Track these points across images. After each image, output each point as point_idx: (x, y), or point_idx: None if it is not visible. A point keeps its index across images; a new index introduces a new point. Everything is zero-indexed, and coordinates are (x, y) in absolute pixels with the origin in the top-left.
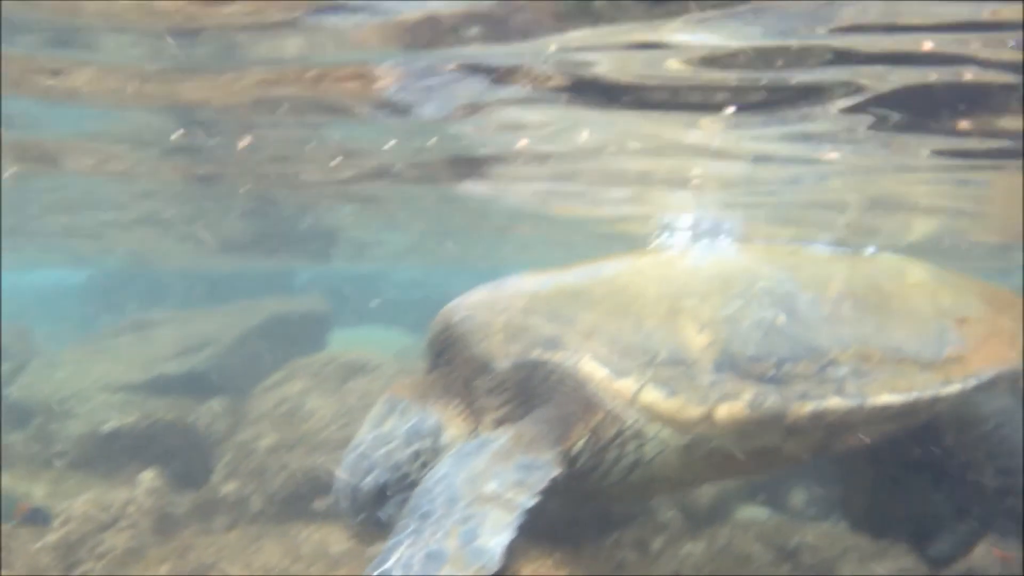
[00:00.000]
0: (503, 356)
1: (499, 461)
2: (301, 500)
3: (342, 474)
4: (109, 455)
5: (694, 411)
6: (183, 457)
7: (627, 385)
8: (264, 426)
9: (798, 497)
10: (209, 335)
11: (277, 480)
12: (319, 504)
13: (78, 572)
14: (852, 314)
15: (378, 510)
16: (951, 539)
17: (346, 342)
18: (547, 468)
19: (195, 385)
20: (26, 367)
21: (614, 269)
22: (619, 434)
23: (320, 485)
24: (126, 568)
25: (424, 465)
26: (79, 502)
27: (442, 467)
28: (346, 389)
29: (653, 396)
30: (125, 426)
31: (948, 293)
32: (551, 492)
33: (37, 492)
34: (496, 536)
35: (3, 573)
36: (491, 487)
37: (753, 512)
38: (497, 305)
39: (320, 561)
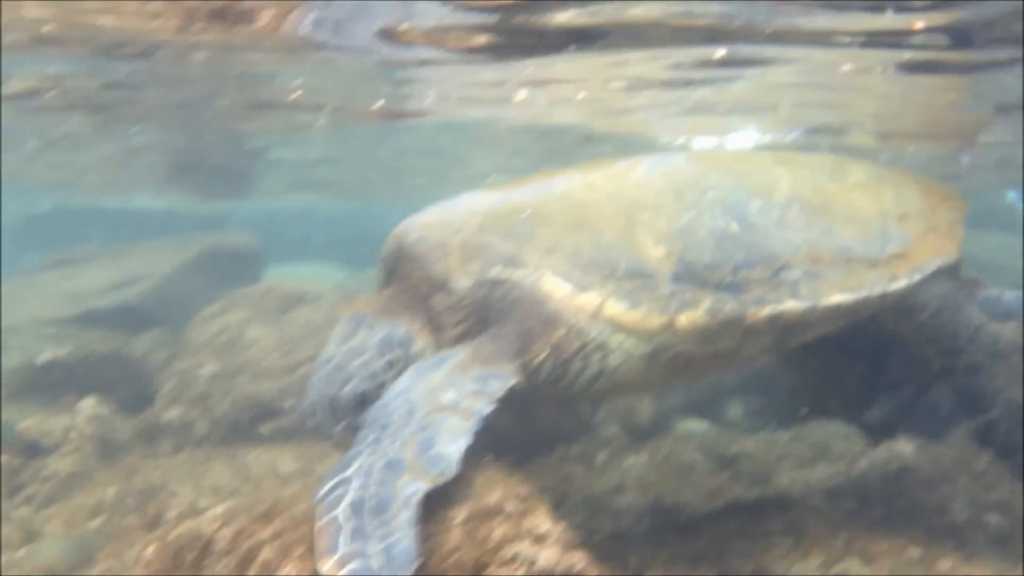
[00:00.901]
0: (461, 275)
1: (457, 373)
2: (247, 425)
3: (316, 389)
4: (46, 386)
5: (656, 321)
6: (122, 386)
7: (590, 299)
8: (205, 355)
9: (735, 410)
10: (139, 270)
11: (221, 406)
12: (266, 428)
13: (22, 495)
14: (800, 218)
15: (358, 418)
16: (886, 407)
17: (280, 278)
18: (505, 378)
19: (128, 319)
20: None
21: (565, 185)
22: (583, 347)
23: (266, 410)
24: (72, 491)
25: (399, 374)
26: (19, 428)
27: (401, 382)
28: (287, 319)
29: (615, 309)
30: (60, 357)
31: (888, 190)
32: (509, 401)
33: None
34: (453, 443)
35: None
36: (449, 396)
37: (692, 425)
38: (452, 224)
39: (270, 480)
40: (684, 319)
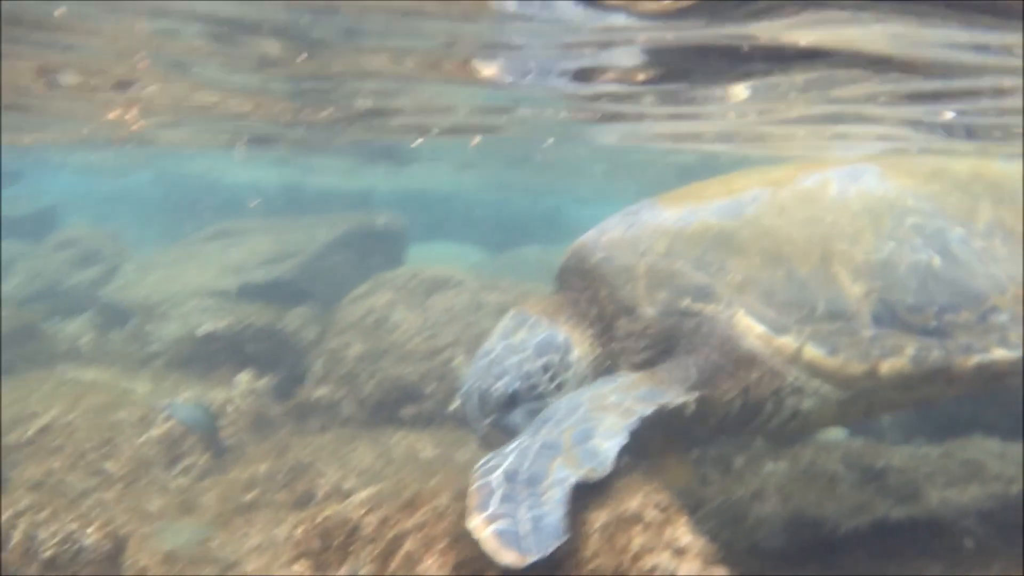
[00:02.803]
0: (648, 303)
1: (625, 388)
2: (390, 407)
3: (470, 379)
4: (204, 357)
5: (856, 368)
6: (275, 361)
7: (786, 343)
8: (352, 335)
9: (881, 420)
10: (292, 246)
11: (367, 387)
12: (407, 412)
13: (180, 466)
14: (1004, 249)
15: (506, 416)
16: None
17: (421, 257)
18: (673, 397)
19: (281, 293)
20: (118, 270)
21: (755, 208)
22: (777, 391)
23: (408, 394)
24: (227, 464)
25: (553, 378)
26: (180, 400)
27: (572, 393)
28: (430, 303)
29: (813, 354)
30: (219, 329)
31: None
32: (684, 415)
33: (139, 389)
34: (609, 440)
35: (109, 463)
36: (613, 399)
37: (835, 433)
38: (638, 246)
39: (411, 464)
40: (886, 367)
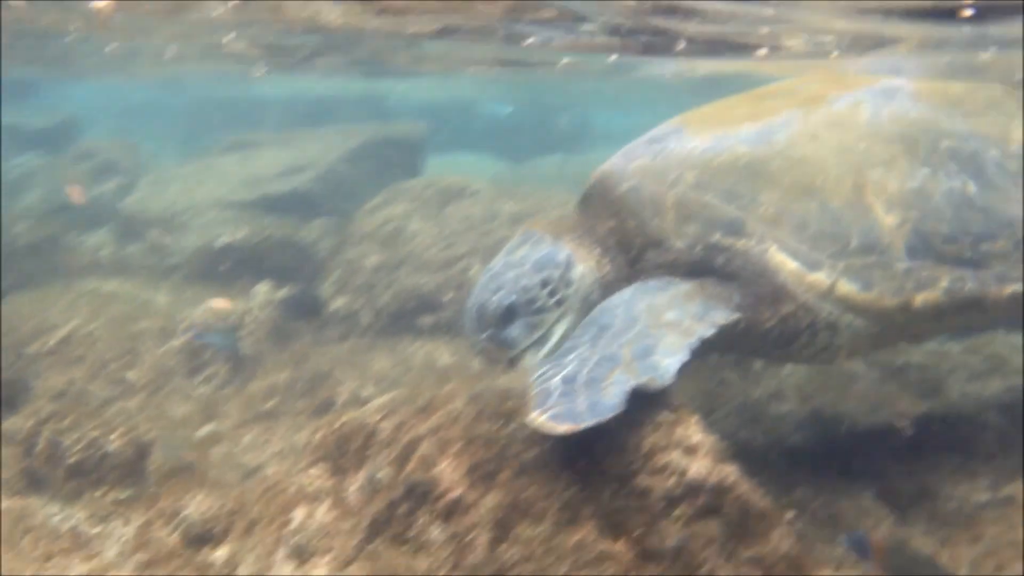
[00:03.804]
0: (677, 236)
1: (681, 299)
2: (407, 316)
3: (472, 295)
4: (223, 268)
5: (890, 303)
6: (293, 272)
7: (820, 279)
8: (369, 246)
9: None
10: (309, 157)
11: (384, 297)
12: (425, 321)
13: (202, 376)
14: None
15: (503, 330)
16: None
17: (440, 168)
18: (728, 313)
19: (298, 204)
20: (137, 183)
21: (787, 135)
22: (811, 324)
23: (425, 303)
24: (247, 373)
25: (552, 293)
26: (199, 311)
27: (622, 294)
28: (446, 213)
29: (847, 289)
30: (236, 241)
31: None
32: (727, 334)
33: (159, 300)
34: (670, 356)
35: (131, 373)
36: (671, 315)
37: None
38: (666, 176)
39: (428, 372)
40: (920, 301)
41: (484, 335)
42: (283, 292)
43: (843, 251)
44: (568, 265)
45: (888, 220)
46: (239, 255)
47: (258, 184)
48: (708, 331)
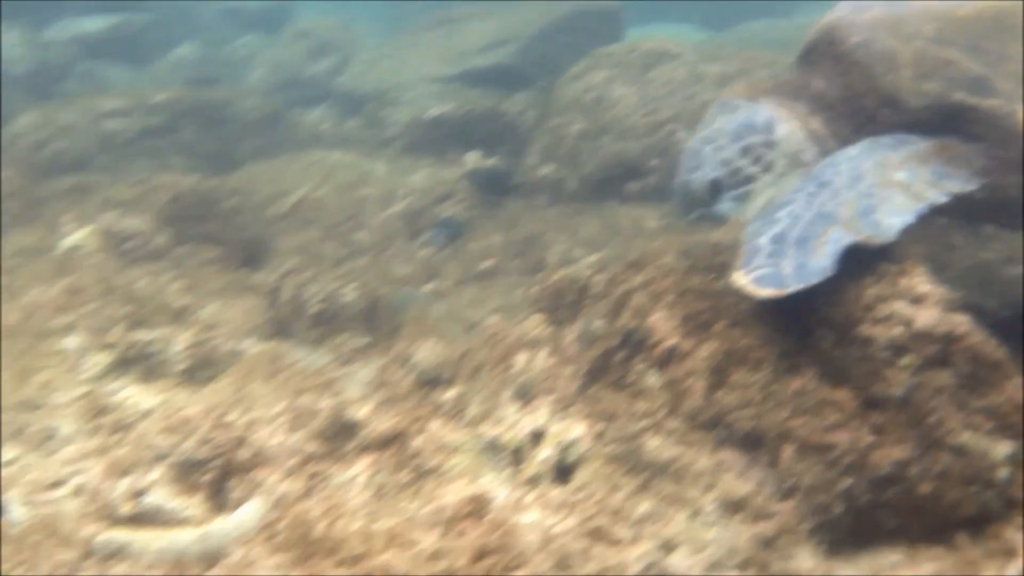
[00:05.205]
0: (913, 95)
1: (915, 161)
2: (613, 183)
3: (677, 173)
4: (434, 139)
5: None
6: (499, 143)
7: None
8: (573, 114)
9: None
10: (510, 31)
11: (589, 164)
12: (631, 187)
13: (421, 239)
14: None
15: (713, 206)
16: None
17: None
18: (964, 182)
19: (502, 77)
20: (350, 60)
21: None
22: None
23: (630, 169)
24: (463, 237)
25: (757, 160)
26: (417, 177)
27: (851, 149)
28: (649, 77)
29: None
30: (445, 113)
31: None
32: (962, 200)
33: (378, 169)
34: (895, 216)
35: (358, 235)
36: (901, 176)
37: None
38: (901, 29)
39: (638, 235)
40: None
41: (694, 215)
42: (492, 161)
43: None
44: (768, 127)
45: None
46: (448, 126)
47: (463, 59)
48: (941, 198)
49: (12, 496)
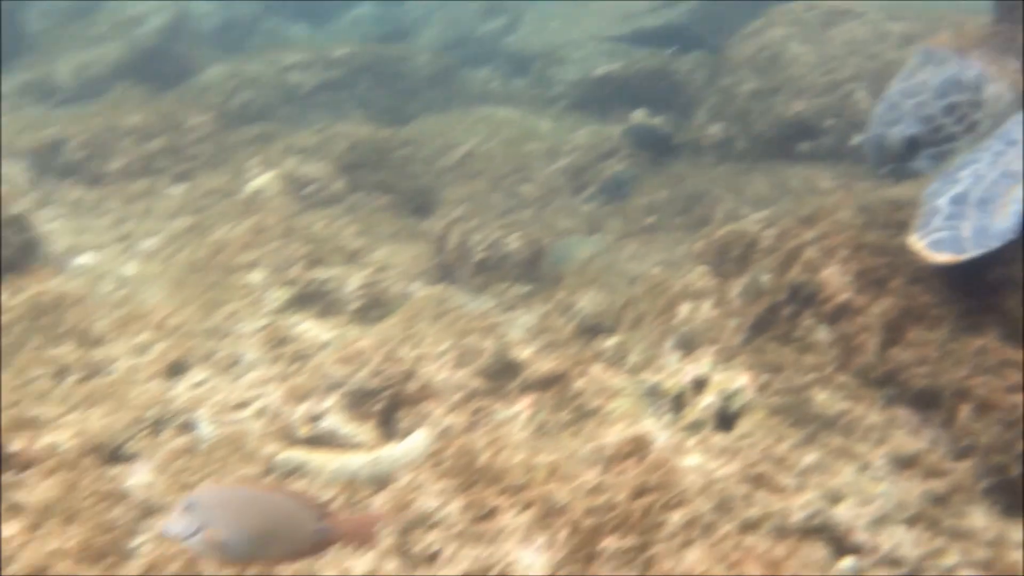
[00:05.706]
0: None
1: None
2: (785, 142)
3: (871, 124)
4: (600, 98)
5: None
6: (667, 102)
7: None
8: (745, 72)
9: None
10: None
11: (761, 123)
12: (803, 147)
13: (585, 193)
14: None
15: (907, 163)
16: None
17: None
18: None
19: (674, 36)
20: (520, 20)
21: None
22: None
23: (804, 129)
24: (633, 189)
25: (961, 119)
26: (581, 133)
27: None
28: (828, 36)
29: None
30: (613, 71)
31: None
32: None
33: (544, 126)
34: None
35: (523, 188)
36: None
37: None
38: None
39: (809, 194)
40: None
41: (885, 169)
42: (657, 120)
43: None
44: (978, 86)
45: None
46: (615, 85)
47: (632, 19)
48: None
49: (201, 414)
